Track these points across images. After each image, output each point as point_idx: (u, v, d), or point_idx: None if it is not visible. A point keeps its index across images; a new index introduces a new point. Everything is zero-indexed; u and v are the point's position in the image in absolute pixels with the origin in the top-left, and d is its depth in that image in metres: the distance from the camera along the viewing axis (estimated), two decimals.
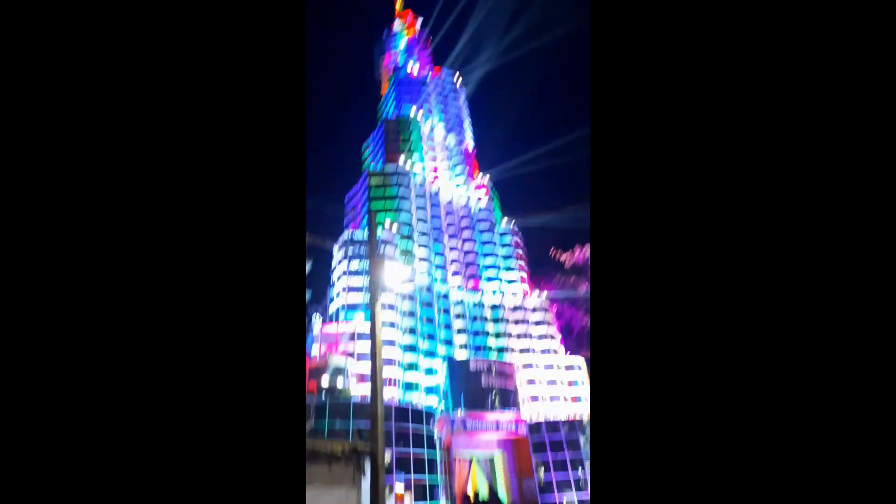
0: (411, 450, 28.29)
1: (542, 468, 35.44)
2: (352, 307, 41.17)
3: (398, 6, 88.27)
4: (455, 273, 53.01)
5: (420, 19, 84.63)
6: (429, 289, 47.66)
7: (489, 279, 55.09)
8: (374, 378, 7.84)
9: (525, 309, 53.64)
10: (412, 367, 41.40)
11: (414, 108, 65.06)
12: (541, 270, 61.87)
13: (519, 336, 51.85)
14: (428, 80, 71.09)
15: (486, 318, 51.94)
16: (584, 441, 36.20)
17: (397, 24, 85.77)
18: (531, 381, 47.72)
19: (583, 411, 45.09)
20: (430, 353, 43.85)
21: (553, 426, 37.74)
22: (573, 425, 37.53)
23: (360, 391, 32.50)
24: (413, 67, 74.08)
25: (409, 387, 39.93)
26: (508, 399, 37.27)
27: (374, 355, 7.97)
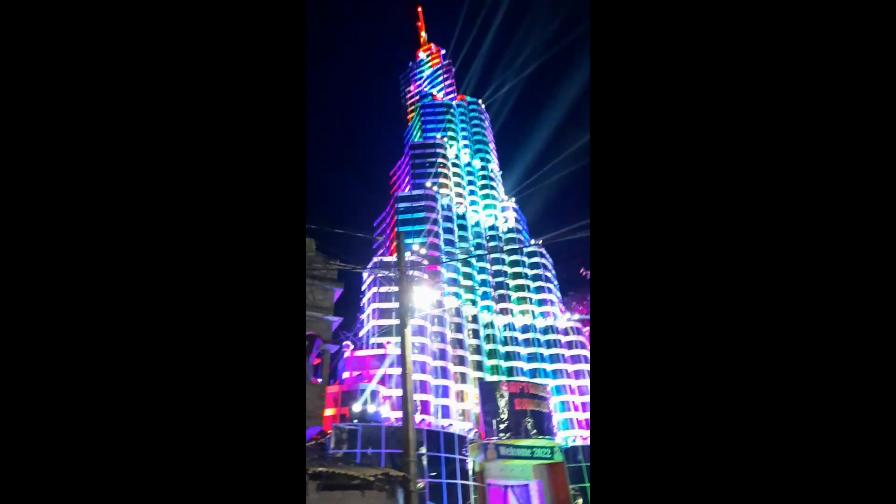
0: (444, 478, 27.77)
1: (581, 498, 34.03)
2: (382, 331, 41.39)
3: (422, 38, 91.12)
4: (484, 295, 52.70)
5: (443, 51, 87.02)
6: (458, 312, 47.49)
7: (519, 300, 54.48)
8: (406, 403, 7.87)
9: (557, 330, 52.60)
10: (443, 391, 40.97)
11: (439, 133, 66.26)
12: (571, 291, 60.80)
13: (551, 358, 50.73)
14: (452, 106, 72.45)
15: (517, 341, 51.18)
16: None
17: (422, 54, 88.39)
18: (565, 405, 46.38)
19: None
20: (462, 377, 43.35)
21: (590, 452, 36.40)
22: None
23: (391, 416, 32.33)
24: (437, 94, 75.84)
25: (440, 412, 39.45)
26: (542, 424, 36.26)
27: (404, 380, 8.01)
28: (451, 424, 36.92)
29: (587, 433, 43.48)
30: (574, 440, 40.70)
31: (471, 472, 29.88)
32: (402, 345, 8.24)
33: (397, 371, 34.42)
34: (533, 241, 60.01)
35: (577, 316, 54.43)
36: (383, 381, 36.44)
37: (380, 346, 39.81)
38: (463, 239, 55.71)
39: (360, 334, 43.83)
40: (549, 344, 51.60)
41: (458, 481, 28.53)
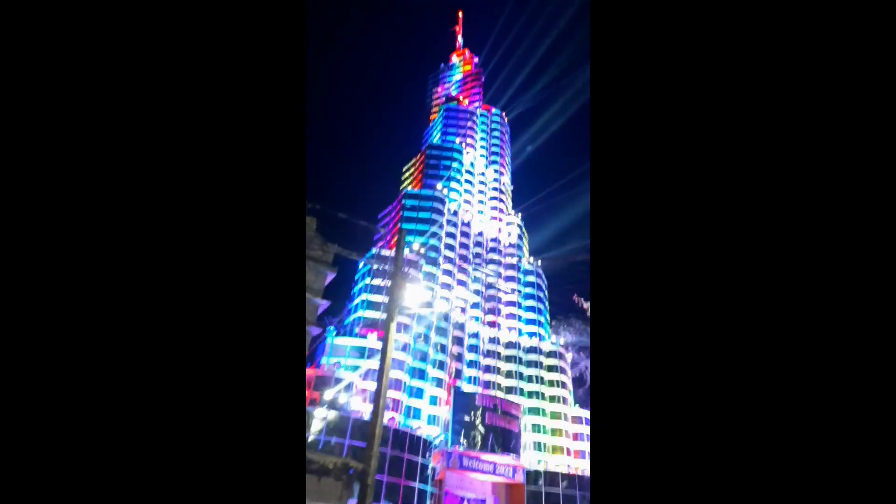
0: (403, 479, 27.65)
1: None
2: (367, 323, 41.29)
3: (458, 42, 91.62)
4: (475, 305, 52.64)
5: (476, 58, 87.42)
6: (446, 317, 47.43)
7: (508, 316, 54.44)
8: (378, 398, 7.83)
9: (540, 352, 52.52)
10: (418, 392, 40.84)
11: (459, 138, 66.45)
12: (560, 315, 60.80)
13: (530, 379, 50.62)
14: (476, 114, 72.68)
15: (499, 355, 51.06)
16: (580, 499, 34.59)
17: (455, 58, 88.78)
18: (536, 428, 46.24)
19: (585, 467, 43.15)
20: (438, 382, 43.22)
21: (552, 478, 36.26)
22: (572, 481, 35.94)
23: (361, 409, 32.20)
24: (463, 100, 76.12)
25: (411, 412, 39.30)
26: (510, 442, 36.14)
27: (381, 375, 7.98)
28: (419, 427, 36.77)
29: (553, 459, 43.30)
30: (538, 464, 40.52)
31: (430, 478, 29.74)
32: (385, 340, 8.24)
33: (375, 365, 34.30)
34: (532, 259, 60.04)
35: (562, 340, 54.41)
36: (360, 372, 36.26)
37: (363, 336, 39.72)
38: (464, 246, 55.73)
39: (346, 322, 43.71)
40: (529, 364, 51.49)
41: (417, 484, 28.40)
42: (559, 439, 46.60)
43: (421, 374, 41.96)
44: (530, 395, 49.18)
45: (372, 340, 38.34)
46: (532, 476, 36.34)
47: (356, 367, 35.96)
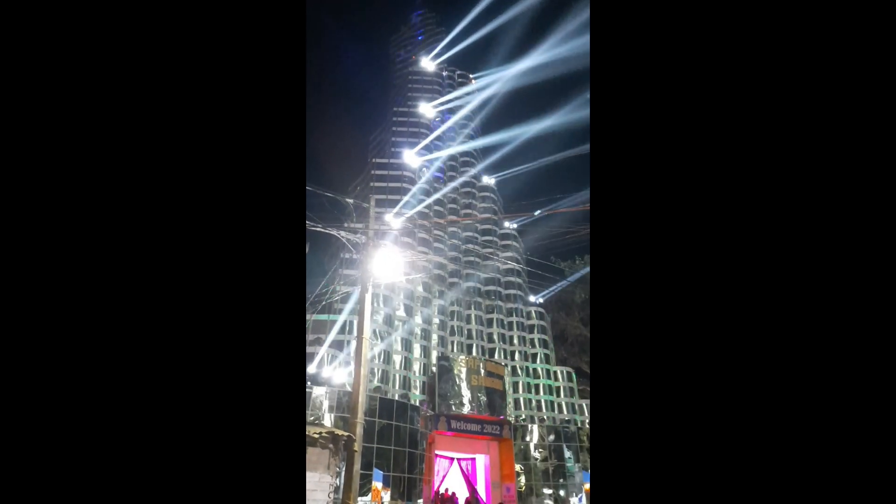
0: (392, 445, 28.20)
1: (523, 476, 35.28)
2: (344, 297, 41.07)
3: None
4: (454, 273, 52.88)
5: (439, 17, 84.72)
6: (426, 286, 47.55)
7: (487, 281, 54.99)
8: (358, 367, 7.75)
9: (521, 313, 53.54)
10: (402, 361, 41.23)
11: (425, 103, 64.98)
12: (539, 275, 61.83)
13: (513, 339, 51.77)
14: (443, 77, 71.01)
15: (481, 320, 51.84)
16: (567, 452, 36.18)
17: (415, 19, 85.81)
18: (520, 386, 47.62)
19: (569, 421, 44.96)
20: (424, 350, 43.70)
21: (538, 433, 37.65)
22: (558, 434, 37.43)
23: (344, 381, 32.34)
24: (429, 63, 74.04)
25: (397, 381, 39.77)
26: (495, 401, 37.18)
27: (359, 345, 7.87)
28: (405, 393, 37.32)
29: (538, 415, 44.91)
30: (524, 421, 41.93)
31: (419, 442, 30.44)
32: (361, 311, 8.06)
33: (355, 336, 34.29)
34: (507, 224, 60.30)
35: (541, 300, 55.59)
36: (341, 346, 36.32)
37: (340, 311, 39.58)
38: (439, 215, 55.43)
39: (322, 298, 43.36)
40: (511, 326, 52.53)
41: (407, 449, 29.02)
42: (543, 395, 48.20)
43: (405, 344, 42.25)
44: (513, 354, 50.40)
45: (350, 313, 38.19)
46: (519, 432, 37.63)
47: (337, 342, 35.88)
